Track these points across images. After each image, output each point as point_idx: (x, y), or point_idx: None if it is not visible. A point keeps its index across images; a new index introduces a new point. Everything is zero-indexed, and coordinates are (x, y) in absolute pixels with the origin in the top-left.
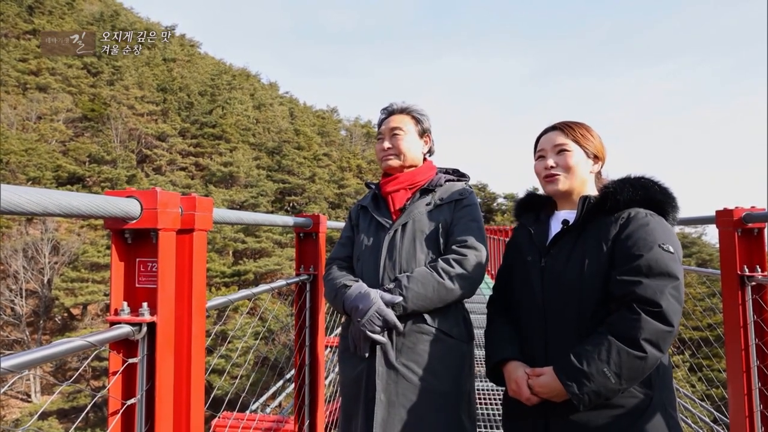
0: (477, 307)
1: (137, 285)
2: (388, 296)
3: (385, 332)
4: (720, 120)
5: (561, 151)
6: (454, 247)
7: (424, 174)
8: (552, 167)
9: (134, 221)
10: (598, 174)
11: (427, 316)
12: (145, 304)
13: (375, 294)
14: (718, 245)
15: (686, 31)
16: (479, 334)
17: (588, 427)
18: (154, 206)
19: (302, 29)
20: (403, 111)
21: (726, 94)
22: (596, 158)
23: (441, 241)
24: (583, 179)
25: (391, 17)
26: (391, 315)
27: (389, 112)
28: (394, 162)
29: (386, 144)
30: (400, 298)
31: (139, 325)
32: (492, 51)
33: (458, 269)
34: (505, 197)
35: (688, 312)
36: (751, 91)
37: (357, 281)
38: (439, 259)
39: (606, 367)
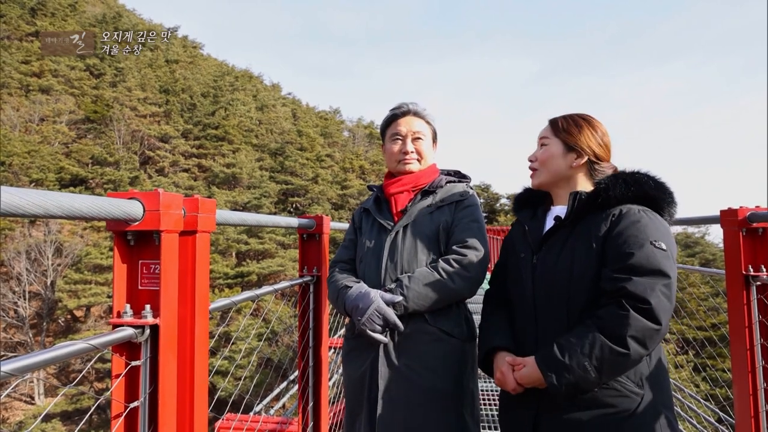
0: (480, 308)
1: (140, 287)
2: (388, 296)
3: (387, 332)
4: (725, 119)
5: (542, 144)
6: (454, 247)
7: (427, 176)
8: (530, 160)
9: (137, 223)
10: (593, 169)
11: (428, 316)
12: (147, 307)
13: (375, 293)
14: (721, 245)
15: (692, 30)
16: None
17: (578, 425)
18: (157, 208)
19: (305, 30)
20: (418, 114)
21: (732, 94)
22: (579, 152)
23: (442, 241)
24: (560, 174)
25: (396, 18)
26: (391, 314)
27: (404, 112)
28: (415, 166)
29: (409, 147)
30: (401, 298)
31: (142, 327)
32: (497, 51)
33: (459, 269)
34: (507, 197)
35: (692, 311)
36: (756, 90)
37: (358, 282)
38: (440, 260)
39: (587, 361)
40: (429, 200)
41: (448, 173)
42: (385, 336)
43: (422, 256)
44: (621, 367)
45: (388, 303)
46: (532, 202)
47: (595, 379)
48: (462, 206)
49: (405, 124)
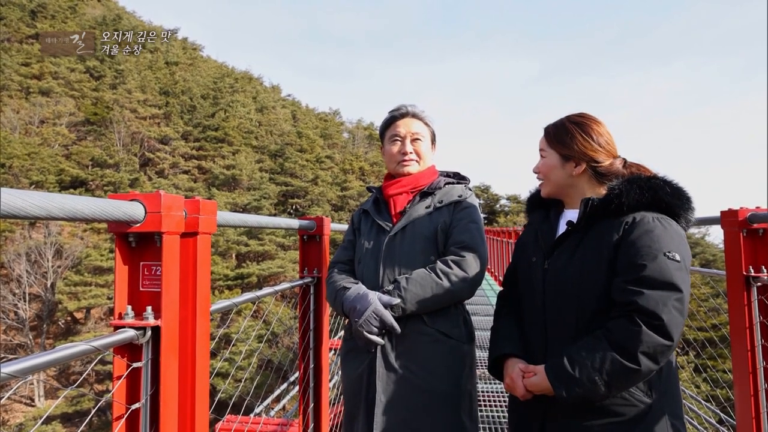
0: (480, 309)
1: (141, 289)
2: (386, 298)
3: (384, 334)
4: (725, 119)
5: (541, 156)
6: (452, 248)
7: (427, 178)
8: (536, 173)
9: (138, 225)
10: (596, 173)
11: (425, 318)
12: (149, 308)
13: (373, 295)
14: (721, 245)
15: (693, 30)
16: (480, 335)
17: None
18: (158, 209)
19: (305, 32)
20: (417, 116)
21: (732, 94)
22: (577, 160)
23: (440, 243)
24: (563, 184)
25: (396, 19)
26: (388, 316)
27: (403, 114)
28: (414, 167)
29: (408, 148)
30: (398, 300)
31: (144, 328)
32: (497, 52)
33: (457, 271)
34: (507, 198)
35: (693, 312)
36: (757, 90)
37: (357, 283)
38: (438, 261)
39: (597, 376)
40: (427, 201)
41: (447, 174)
42: (382, 338)
43: (420, 257)
44: (630, 382)
45: (386, 305)
46: (545, 203)
47: (604, 393)
48: (460, 207)
49: (404, 126)
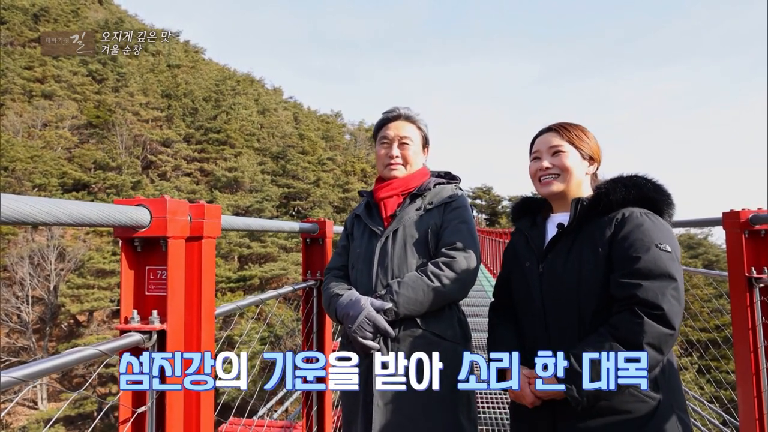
0: (482, 311)
1: (147, 293)
2: (378, 302)
3: (380, 339)
4: (727, 120)
5: (557, 152)
6: (443, 250)
7: (417, 179)
8: (547, 168)
9: (144, 230)
10: (594, 175)
11: (419, 320)
12: (155, 312)
13: (365, 300)
14: (725, 246)
15: (695, 32)
16: (477, 336)
17: None
18: (164, 214)
19: (308, 34)
20: (409, 119)
21: (735, 95)
22: (591, 159)
23: (431, 245)
24: (578, 180)
25: (398, 21)
26: (381, 320)
27: (394, 116)
28: (400, 172)
29: (395, 152)
30: (390, 304)
31: (149, 332)
32: (501, 54)
33: (448, 272)
34: (510, 200)
35: (696, 313)
36: (758, 91)
37: (350, 289)
38: (429, 263)
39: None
40: (418, 203)
41: (438, 175)
42: (377, 343)
43: (412, 260)
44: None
45: (378, 310)
46: (530, 210)
47: (613, 388)
48: (450, 208)
49: (394, 129)
